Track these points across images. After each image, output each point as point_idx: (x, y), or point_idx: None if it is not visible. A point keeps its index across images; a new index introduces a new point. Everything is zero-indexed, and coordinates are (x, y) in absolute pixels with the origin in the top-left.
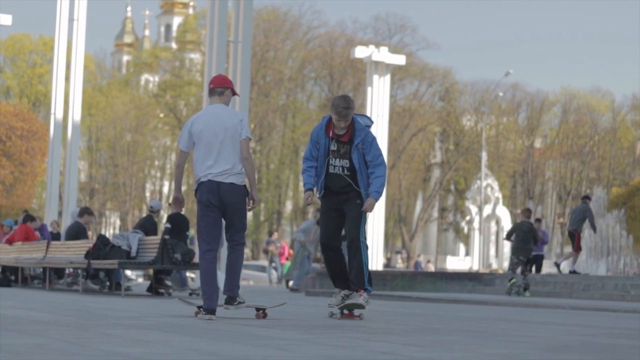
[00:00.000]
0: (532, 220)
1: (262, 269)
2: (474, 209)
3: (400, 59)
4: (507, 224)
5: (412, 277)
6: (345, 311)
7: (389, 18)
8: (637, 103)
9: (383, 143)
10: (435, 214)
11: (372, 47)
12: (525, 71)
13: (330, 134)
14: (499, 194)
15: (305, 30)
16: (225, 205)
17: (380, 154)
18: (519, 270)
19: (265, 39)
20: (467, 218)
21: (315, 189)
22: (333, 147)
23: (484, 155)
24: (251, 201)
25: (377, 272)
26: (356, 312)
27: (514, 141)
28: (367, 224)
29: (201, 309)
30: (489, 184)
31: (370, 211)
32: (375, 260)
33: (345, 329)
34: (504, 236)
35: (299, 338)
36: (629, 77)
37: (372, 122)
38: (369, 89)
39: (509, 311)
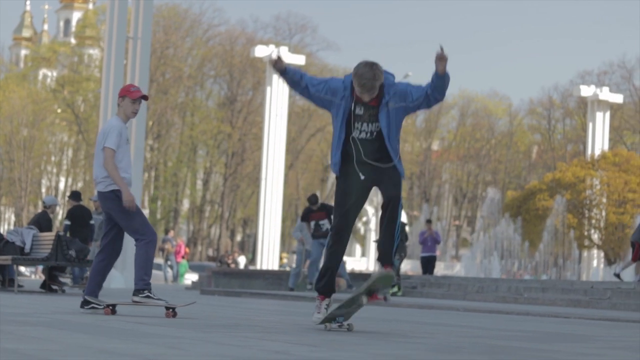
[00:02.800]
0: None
1: (158, 267)
2: (370, 210)
3: (300, 59)
4: None
5: (305, 277)
6: (365, 299)
7: (289, 18)
8: (534, 107)
9: (281, 143)
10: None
11: (272, 47)
12: (424, 73)
13: (355, 97)
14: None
15: (206, 28)
16: (105, 212)
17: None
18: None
19: (165, 36)
20: (364, 219)
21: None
22: (359, 110)
23: None
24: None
25: (274, 272)
26: (380, 294)
27: (411, 143)
28: (264, 223)
29: (110, 307)
30: None
31: (442, 63)
32: (271, 260)
33: (242, 329)
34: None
35: (193, 337)
36: (526, 82)
37: (393, 77)
38: (268, 89)
39: (403, 312)
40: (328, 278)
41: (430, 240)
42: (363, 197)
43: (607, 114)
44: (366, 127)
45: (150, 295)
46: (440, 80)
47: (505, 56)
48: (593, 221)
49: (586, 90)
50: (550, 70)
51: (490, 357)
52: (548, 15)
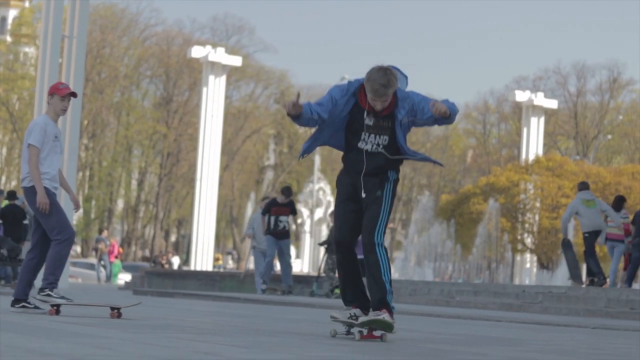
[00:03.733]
0: None
1: (91, 266)
2: (305, 212)
3: (236, 60)
4: None
5: (242, 279)
6: (364, 330)
7: (226, 19)
8: (469, 112)
9: (216, 144)
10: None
11: (208, 48)
12: (359, 77)
13: (366, 106)
14: (330, 198)
15: (143, 27)
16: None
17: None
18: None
19: (101, 35)
20: (299, 221)
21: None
22: (368, 121)
23: (317, 159)
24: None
25: (207, 273)
26: (378, 332)
27: None
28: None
29: (54, 307)
30: (321, 187)
31: (439, 112)
32: (205, 261)
33: (173, 329)
34: (320, 242)
35: (123, 337)
36: (461, 86)
37: (406, 78)
38: (204, 89)
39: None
40: (345, 289)
41: None
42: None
43: (542, 119)
44: (373, 139)
45: (51, 294)
46: (448, 120)
47: (441, 60)
48: (526, 225)
49: (521, 95)
50: (486, 75)
51: (419, 358)
52: (484, 20)
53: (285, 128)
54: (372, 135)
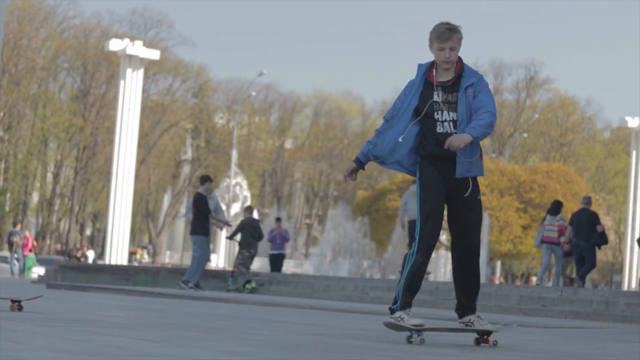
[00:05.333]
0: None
1: (5, 260)
2: (222, 207)
3: (154, 54)
4: None
5: (156, 273)
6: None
7: (145, 12)
8: (387, 108)
9: (133, 137)
10: (183, 210)
11: (126, 41)
12: (279, 72)
13: (434, 81)
14: (247, 193)
15: (61, 19)
16: None
17: (494, 104)
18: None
19: (18, 27)
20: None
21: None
22: (437, 97)
23: (235, 154)
24: None
25: (121, 267)
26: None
27: (265, 141)
28: (114, 217)
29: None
30: (238, 182)
31: (455, 147)
32: (120, 255)
33: (85, 323)
34: (228, 235)
35: (34, 331)
36: (379, 83)
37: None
38: (121, 82)
39: (249, 309)
40: (412, 292)
41: (279, 238)
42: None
43: None
44: (447, 116)
45: None
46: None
47: (359, 56)
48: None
49: None
50: (404, 72)
51: (329, 355)
52: (403, 16)
53: (202, 122)
54: (445, 112)
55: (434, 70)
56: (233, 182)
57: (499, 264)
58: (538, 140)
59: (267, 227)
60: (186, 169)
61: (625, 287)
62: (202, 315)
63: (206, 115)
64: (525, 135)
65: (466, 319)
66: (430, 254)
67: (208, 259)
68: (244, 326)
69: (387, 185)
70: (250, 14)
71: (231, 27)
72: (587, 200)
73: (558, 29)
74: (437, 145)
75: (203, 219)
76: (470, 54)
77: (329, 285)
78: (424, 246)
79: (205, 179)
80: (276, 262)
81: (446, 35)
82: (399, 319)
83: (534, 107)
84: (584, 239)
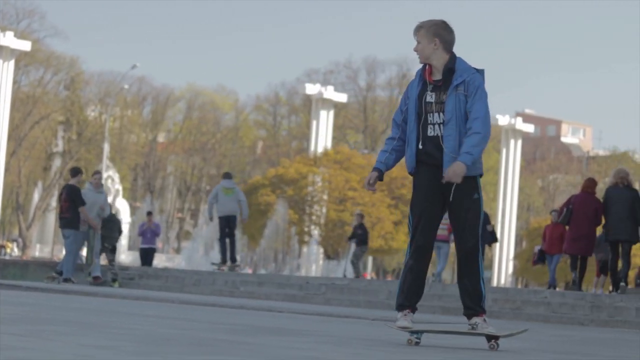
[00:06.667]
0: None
1: None
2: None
3: (26, 45)
4: (126, 217)
5: (25, 266)
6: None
7: (17, 2)
8: (260, 103)
9: (3, 129)
10: (54, 203)
11: None
12: (152, 65)
13: (428, 79)
14: (119, 186)
15: None
16: None
17: (486, 107)
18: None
19: None
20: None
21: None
22: (429, 97)
23: (107, 147)
24: None
25: None
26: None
27: (137, 134)
28: None
29: None
30: (110, 175)
31: (455, 180)
32: None
33: None
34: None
35: None
36: (253, 78)
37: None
38: None
39: (118, 303)
40: (405, 293)
41: (149, 233)
42: (442, 208)
43: (331, 113)
44: (437, 118)
45: None
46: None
47: (233, 51)
48: (314, 217)
49: (312, 88)
50: (278, 67)
51: (195, 348)
52: (278, 13)
53: (74, 115)
54: (437, 114)
55: (433, 69)
56: (105, 175)
57: (370, 259)
58: None
59: (139, 221)
60: (57, 162)
61: (494, 283)
62: (71, 310)
63: (78, 108)
64: None
65: (472, 321)
66: (424, 256)
67: (80, 253)
68: (112, 320)
69: (260, 180)
70: (124, 7)
71: (104, 20)
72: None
73: None
74: (427, 149)
75: (75, 212)
76: (343, 50)
77: (199, 279)
78: (414, 249)
79: (76, 172)
80: (147, 256)
81: (414, 31)
82: (389, 322)
83: None
84: None
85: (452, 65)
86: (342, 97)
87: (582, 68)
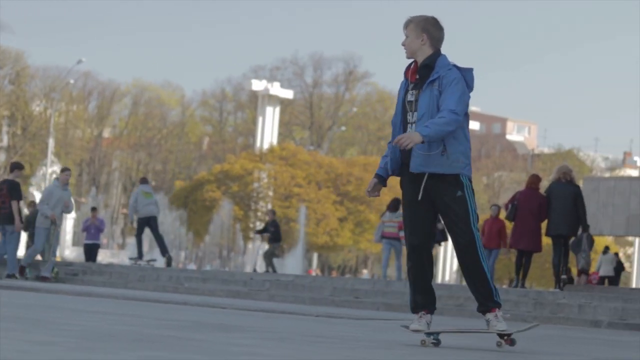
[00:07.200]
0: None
1: None
2: (38, 195)
3: None
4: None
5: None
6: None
7: None
8: (206, 99)
9: None
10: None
11: None
12: (98, 60)
13: (409, 77)
14: None
15: None
16: None
17: (460, 101)
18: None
19: None
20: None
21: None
22: (410, 96)
23: (52, 142)
24: None
25: None
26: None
27: (83, 129)
28: None
29: None
30: (54, 171)
31: (403, 146)
32: None
33: None
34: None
35: None
36: (199, 74)
37: (471, 70)
38: None
39: (61, 299)
40: (412, 295)
41: (93, 228)
42: (431, 208)
43: (278, 109)
44: (414, 117)
45: None
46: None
47: (179, 46)
48: (259, 213)
49: (258, 85)
50: (224, 63)
51: (139, 345)
52: (224, 9)
53: (19, 109)
54: (414, 113)
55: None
56: (49, 170)
57: (315, 256)
58: (356, 134)
59: (83, 216)
60: (2, 157)
61: (439, 280)
62: (14, 306)
63: (23, 103)
64: (343, 128)
65: (486, 317)
66: (419, 254)
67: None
68: (55, 316)
69: (205, 176)
70: (70, 1)
71: (50, 14)
72: None
73: (377, 23)
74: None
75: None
76: (290, 47)
77: (144, 275)
78: (409, 250)
79: (14, 167)
80: (90, 252)
81: (404, 25)
82: (404, 324)
83: (352, 100)
84: None
85: (430, 61)
86: (288, 94)
87: (528, 67)
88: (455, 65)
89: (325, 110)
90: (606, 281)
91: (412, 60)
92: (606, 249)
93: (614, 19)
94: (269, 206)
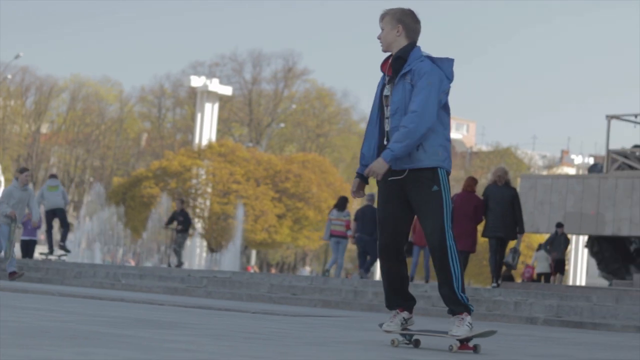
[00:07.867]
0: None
1: None
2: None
3: None
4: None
5: None
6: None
7: None
8: (145, 95)
9: None
10: None
11: None
12: (35, 55)
13: (386, 71)
14: (1, 178)
15: None
16: None
17: (427, 100)
18: None
19: None
20: None
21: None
22: (387, 90)
23: None
24: None
25: None
26: (472, 343)
27: (20, 125)
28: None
29: None
30: None
31: (372, 176)
32: None
33: None
34: None
35: None
36: (138, 69)
37: (452, 61)
38: None
39: None
40: (385, 294)
41: (30, 224)
42: (406, 208)
43: (216, 105)
44: (390, 112)
45: None
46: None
47: (118, 42)
48: (197, 210)
49: (197, 81)
50: (163, 59)
51: (72, 341)
52: (163, 4)
53: None
54: (390, 108)
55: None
56: None
57: (254, 252)
58: (295, 131)
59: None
60: None
61: (377, 277)
62: None
63: None
64: (282, 125)
65: (451, 320)
66: (390, 255)
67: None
68: None
69: (143, 172)
70: None
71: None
72: (371, 197)
73: (316, 20)
74: (383, 145)
75: None
76: (229, 43)
77: (80, 272)
78: (380, 249)
79: None
80: (27, 248)
81: (380, 18)
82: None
83: (291, 97)
84: (368, 234)
85: (403, 53)
86: (227, 90)
87: (466, 65)
88: (428, 56)
89: (264, 107)
90: (542, 278)
91: (388, 54)
92: (540, 247)
93: (549, 7)
94: (207, 203)
